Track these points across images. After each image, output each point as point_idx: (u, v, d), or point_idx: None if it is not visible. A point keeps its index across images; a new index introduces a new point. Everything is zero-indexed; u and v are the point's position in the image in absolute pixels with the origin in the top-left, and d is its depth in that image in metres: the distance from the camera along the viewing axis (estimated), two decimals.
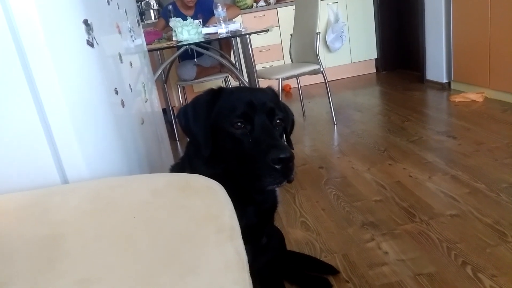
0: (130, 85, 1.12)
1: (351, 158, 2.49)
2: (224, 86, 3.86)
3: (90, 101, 0.80)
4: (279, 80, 2.93)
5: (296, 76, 3.24)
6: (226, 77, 3.91)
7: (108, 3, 1.05)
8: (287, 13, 4.55)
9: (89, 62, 0.81)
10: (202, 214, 0.58)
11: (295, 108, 3.91)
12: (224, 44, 3.83)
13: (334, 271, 1.44)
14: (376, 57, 5.03)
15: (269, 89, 1.09)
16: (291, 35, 3.49)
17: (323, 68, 3.08)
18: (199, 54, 3.40)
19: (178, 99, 4.20)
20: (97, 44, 0.84)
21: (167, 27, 3.29)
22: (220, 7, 2.84)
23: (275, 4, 4.74)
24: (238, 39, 3.47)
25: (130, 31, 1.30)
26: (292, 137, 1.16)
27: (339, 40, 4.72)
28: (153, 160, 1.27)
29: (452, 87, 3.75)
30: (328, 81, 3.17)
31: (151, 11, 4.53)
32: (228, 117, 0.94)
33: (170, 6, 3.56)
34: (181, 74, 3.63)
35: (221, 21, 2.85)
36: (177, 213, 0.58)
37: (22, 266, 0.51)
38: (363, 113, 3.46)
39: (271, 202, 1.13)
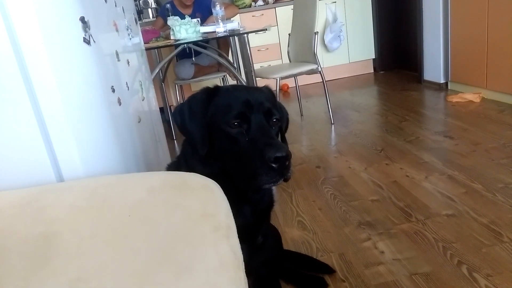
0: (127, 83, 1.12)
1: (348, 157, 2.49)
2: (222, 85, 3.86)
3: (86, 99, 0.80)
4: (277, 79, 2.93)
5: (294, 76, 3.24)
6: (224, 76, 3.92)
7: (105, 1, 1.05)
8: (285, 13, 4.56)
9: (86, 60, 0.81)
10: (198, 213, 0.58)
11: (292, 107, 3.91)
12: (222, 43, 3.83)
13: (330, 270, 1.44)
14: (374, 57, 5.04)
15: (266, 89, 1.09)
16: (289, 34, 3.49)
17: (321, 67, 3.09)
18: (197, 53, 3.40)
19: (175, 98, 4.19)
20: (94, 41, 0.84)
21: (165, 26, 3.28)
22: (218, 6, 2.84)
23: (273, 3, 4.74)
24: (236, 38, 3.47)
25: (128, 29, 1.30)
26: (289, 136, 1.17)
27: (337, 40, 4.72)
28: (150, 158, 1.27)
29: (449, 87, 3.76)
30: (326, 81, 3.17)
31: (149, 10, 4.52)
32: (225, 116, 0.94)
33: (168, 5, 3.56)
34: (179, 73, 3.63)
35: (219, 20, 2.84)
36: (173, 211, 0.58)
37: (15, 264, 0.51)
38: (361, 113, 3.47)
39: (267, 201, 1.13)
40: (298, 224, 1.81)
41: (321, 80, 3.15)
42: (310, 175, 2.31)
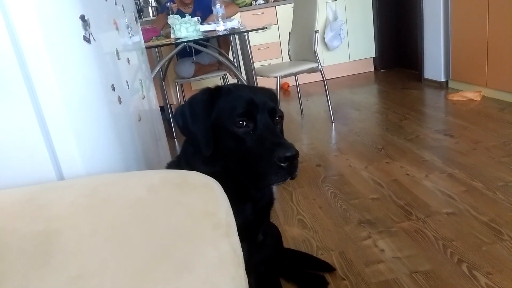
0: (127, 82, 1.12)
1: (349, 156, 2.49)
2: (222, 83, 3.88)
3: (86, 97, 0.80)
4: (277, 78, 2.93)
5: (294, 74, 3.24)
6: (224, 74, 3.91)
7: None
8: (285, 11, 4.55)
9: (86, 58, 0.81)
10: (198, 211, 0.58)
11: (293, 106, 3.92)
12: (222, 41, 3.83)
13: (330, 269, 1.44)
14: (374, 56, 5.04)
15: (268, 89, 1.10)
16: (289, 33, 3.49)
17: (321, 66, 3.08)
18: (198, 52, 3.39)
19: (176, 97, 4.19)
20: (94, 40, 0.84)
21: (166, 24, 3.28)
22: (218, 4, 2.84)
23: (273, 2, 4.73)
24: (236, 36, 3.47)
25: (128, 28, 1.30)
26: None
27: (338, 39, 4.72)
28: (150, 157, 1.27)
29: (450, 85, 3.76)
30: (326, 79, 3.17)
31: (150, 8, 4.52)
32: (230, 116, 0.94)
33: (168, 3, 3.56)
34: (179, 71, 3.63)
35: (220, 19, 2.84)
36: (173, 209, 0.58)
37: (15, 262, 0.51)
38: (361, 112, 3.47)
39: (267, 199, 1.13)
40: (298, 222, 1.81)
41: (322, 79, 3.15)
42: (311, 174, 2.31)
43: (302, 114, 3.64)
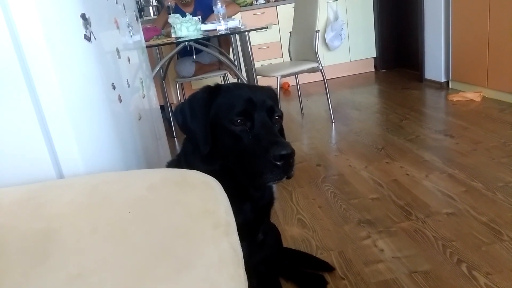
0: (127, 81, 1.12)
1: (349, 156, 2.49)
2: (223, 83, 3.86)
3: (87, 96, 0.80)
4: (277, 77, 2.93)
5: (295, 74, 3.24)
6: (225, 74, 3.91)
7: None
8: (286, 11, 4.55)
9: (87, 57, 0.81)
10: (198, 210, 0.58)
11: (293, 106, 3.92)
12: (223, 41, 3.82)
13: (329, 268, 1.45)
14: (375, 56, 5.03)
15: (269, 88, 1.10)
16: (290, 33, 3.48)
17: (322, 66, 3.08)
18: (198, 51, 3.39)
19: (176, 96, 4.19)
20: (95, 38, 0.84)
21: (167, 23, 3.28)
22: (219, 4, 2.84)
23: (274, 1, 4.73)
24: (237, 36, 3.47)
25: (129, 27, 1.30)
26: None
27: (338, 39, 4.72)
28: (150, 156, 1.27)
29: (450, 86, 3.76)
30: (326, 79, 3.17)
31: (150, 8, 4.52)
32: (228, 114, 0.94)
33: (169, 3, 3.56)
34: (180, 70, 3.63)
35: (220, 18, 2.84)
36: (173, 208, 0.58)
37: (15, 259, 0.51)
38: (361, 112, 3.47)
39: (267, 198, 1.13)
40: (298, 222, 1.81)
41: (322, 79, 3.14)
42: (311, 173, 2.31)
43: (302, 114, 3.64)
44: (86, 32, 0.79)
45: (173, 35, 2.84)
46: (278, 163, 0.87)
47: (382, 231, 1.63)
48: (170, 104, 3.88)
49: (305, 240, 1.66)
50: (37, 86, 0.73)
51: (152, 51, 3.61)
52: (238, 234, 0.79)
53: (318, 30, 3.01)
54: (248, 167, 0.92)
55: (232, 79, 4.01)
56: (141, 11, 4.53)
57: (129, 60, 1.19)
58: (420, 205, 1.80)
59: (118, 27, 1.13)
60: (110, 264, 0.50)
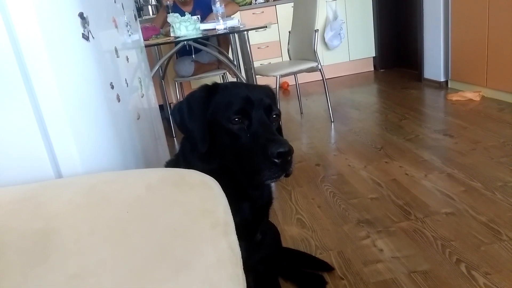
0: (126, 80, 1.12)
1: (348, 155, 2.49)
2: (221, 82, 3.84)
3: (85, 95, 0.80)
4: (276, 77, 2.92)
5: (294, 73, 3.23)
6: (224, 73, 3.91)
7: None
8: (285, 10, 4.55)
9: (85, 56, 0.80)
10: (196, 209, 0.58)
11: (292, 105, 3.91)
12: (222, 40, 3.82)
13: (329, 268, 1.45)
14: (374, 55, 5.03)
15: (267, 87, 1.09)
16: (289, 32, 3.48)
17: (321, 65, 3.08)
18: (197, 50, 3.39)
19: (175, 96, 4.19)
20: (93, 37, 0.83)
21: (166, 23, 3.28)
22: (218, 3, 2.83)
23: (274, 1, 4.73)
24: (236, 35, 3.46)
25: (127, 26, 1.30)
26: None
27: (338, 38, 4.71)
28: (149, 155, 1.27)
29: (449, 85, 3.76)
30: (326, 79, 3.17)
31: (149, 7, 4.52)
32: (225, 112, 0.94)
33: (168, 2, 3.55)
34: (179, 70, 3.62)
35: (219, 17, 2.84)
36: (171, 208, 0.58)
37: (14, 260, 0.51)
38: (361, 111, 3.47)
39: (266, 198, 1.13)
40: (297, 221, 1.81)
41: (321, 78, 3.14)
42: (310, 173, 2.31)
43: (301, 113, 3.64)
44: (84, 31, 0.79)
45: (172, 35, 2.84)
46: (276, 160, 0.87)
47: (381, 231, 1.63)
48: (169, 104, 3.87)
49: (304, 240, 1.66)
50: (35, 85, 0.72)
51: (151, 50, 3.60)
52: (237, 233, 0.78)
53: (317, 30, 3.01)
54: (246, 165, 0.92)
55: (231, 79, 4.01)
56: (140, 10, 4.53)
57: (127, 59, 1.19)
58: (419, 204, 1.80)
59: (116, 26, 1.13)
60: (109, 264, 0.50)
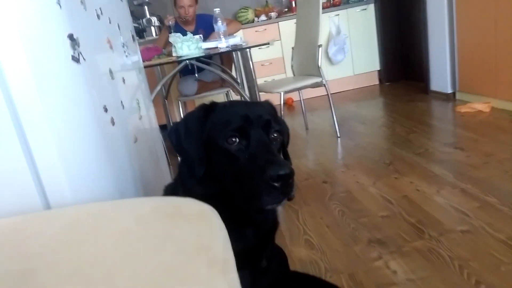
0: (122, 102, 1.07)
1: (356, 172, 2.42)
2: (226, 100, 3.83)
3: (74, 120, 0.75)
4: (281, 94, 2.88)
5: (298, 89, 3.19)
6: (228, 91, 3.88)
7: (98, 17, 1.01)
8: (288, 27, 4.54)
9: (74, 79, 0.76)
10: (191, 246, 0.52)
11: (297, 121, 3.86)
12: (225, 58, 3.81)
13: None
14: (379, 69, 4.99)
15: (266, 103, 1.05)
16: (292, 48, 3.46)
17: (325, 80, 3.04)
18: (200, 69, 3.37)
19: (179, 115, 4.16)
20: (84, 59, 0.79)
21: (169, 43, 3.27)
22: (220, 21, 2.82)
23: (276, 18, 4.73)
24: (239, 53, 3.45)
25: (124, 47, 1.26)
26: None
27: (341, 52, 4.69)
28: (148, 179, 1.22)
29: (457, 97, 3.69)
30: (330, 94, 3.12)
31: (152, 28, 4.54)
32: (222, 132, 0.89)
33: (170, 22, 3.56)
34: (182, 89, 3.60)
35: (221, 36, 2.82)
36: (164, 244, 0.52)
37: None
38: (367, 126, 3.40)
39: (271, 222, 1.07)
40: (305, 243, 1.74)
41: (326, 93, 3.09)
42: (317, 191, 2.24)
43: (307, 129, 3.58)
44: (74, 53, 0.75)
45: (174, 54, 2.82)
46: (275, 184, 0.80)
47: (394, 251, 1.56)
48: (173, 123, 3.84)
49: (313, 262, 1.59)
50: (20, 110, 0.67)
51: (154, 70, 3.59)
52: (240, 261, 0.72)
53: (321, 45, 2.98)
54: (245, 190, 0.85)
55: (235, 97, 3.98)
56: (143, 31, 4.55)
57: (124, 80, 1.15)
58: (432, 222, 1.72)
59: (111, 47, 1.09)
60: None
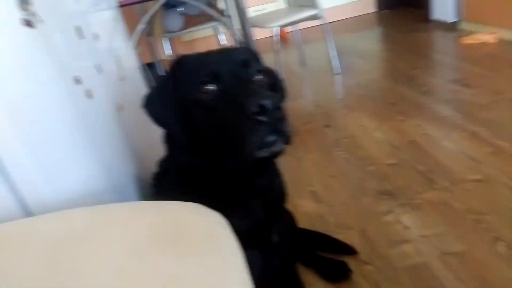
0: (97, 66, 0.88)
1: (359, 113, 2.28)
2: (216, 35, 3.53)
3: (38, 102, 0.59)
4: (276, 28, 2.64)
5: (294, 23, 2.94)
6: (216, 25, 3.59)
7: None
8: None
9: (30, 49, 0.58)
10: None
11: (292, 55, 3.61)
12: None
13: (352, 252, 1.29)
14: None
15: (244, 47, 0.93)
16: None
17: (323, 12, 2.78)
18: (184, 1, 3.06)
19: (163, 52, 3.89)
20: (42, 21, 0.61)
21: None
22: None
23: None
24: None
25: None
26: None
27: None
28: (141, 150, 1.06)
29: (460, 27, 3.45)
30: (327, 26, 2.87)
31: None
32: (193, 82, 0.75)
33: None
34: (167, 24, 3.31)
35: None
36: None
37: None
38: (367, 60, 3.20)
39: (278, 192, 0.96)
40: (310, 195, 1.64)
41: (322, 24, 2.84)
42: (319, 137, 2.12)
43: (303, 65, 3.37)
44: (25, 15, 0.56)
45: None
46: (261, 118, 0.66)
47: (405, 204, 1.47)
48: (160, 61, 3.59)
49: (320, 216, 1.50)
50: None
51: (135, 8, 3.26)
52: (249, 241, 0.60)
53: None
54: (233, 140, 0.71)
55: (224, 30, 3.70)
56: None
57: (97, 37, 0.94)
58: (443, 170, 1.62)
59: None
60: None
